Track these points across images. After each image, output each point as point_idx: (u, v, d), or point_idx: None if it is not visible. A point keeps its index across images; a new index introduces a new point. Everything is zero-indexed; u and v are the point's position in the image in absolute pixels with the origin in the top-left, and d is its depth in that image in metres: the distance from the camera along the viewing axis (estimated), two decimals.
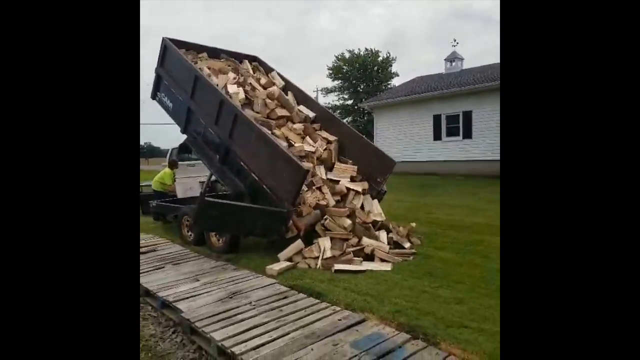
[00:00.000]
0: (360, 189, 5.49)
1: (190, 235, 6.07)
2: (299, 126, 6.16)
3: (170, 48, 6.29)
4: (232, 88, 5.99)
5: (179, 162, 9.48)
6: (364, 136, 6.49)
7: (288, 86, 7.08)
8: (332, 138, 6.18)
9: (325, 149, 5.95)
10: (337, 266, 4.32)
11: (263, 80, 6.80)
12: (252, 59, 7.66)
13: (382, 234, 5.09)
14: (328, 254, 4.54)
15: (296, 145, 5.66)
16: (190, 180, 9.09)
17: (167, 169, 8.47)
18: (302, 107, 6.55)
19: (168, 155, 11.17)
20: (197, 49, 6.97)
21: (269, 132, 5.35)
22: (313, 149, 5.69)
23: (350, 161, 5.95)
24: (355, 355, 2.47)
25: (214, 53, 7.18)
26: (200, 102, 5.96)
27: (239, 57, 7.45)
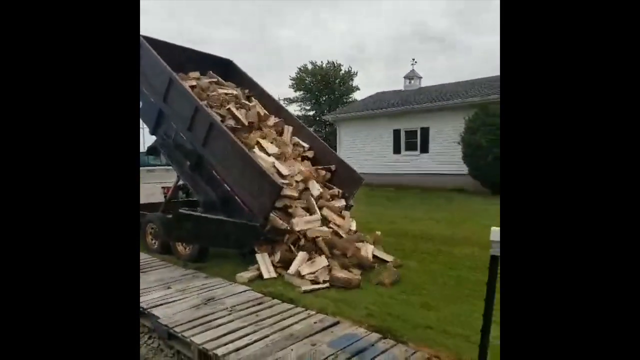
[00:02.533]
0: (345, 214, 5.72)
1: (155, 243, 5.98)
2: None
3: (143, 46, 6.07)
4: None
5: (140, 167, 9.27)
6: (334, 151, 6.72)
7: (279, 111, 6.99)
8: (331, 167, 6.23)
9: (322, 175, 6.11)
10: (304, 288, 4.18)
11: (259, 110, 6.62)
12: (227, 62, 7.55)
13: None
14: (293, 269, 4.59)
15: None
16: (151, 186, 8.89)
17: None
18: (296, 139, 6.50)
19: None
20: (173, 49, 6.67)
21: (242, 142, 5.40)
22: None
23: (336, 188, 6.08)
24: (333, 354, 2.65)
25: (191, 54, 7.00)
26: (173, 105, 5.82)
27: (213, 60, 7.34)
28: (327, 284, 4.27)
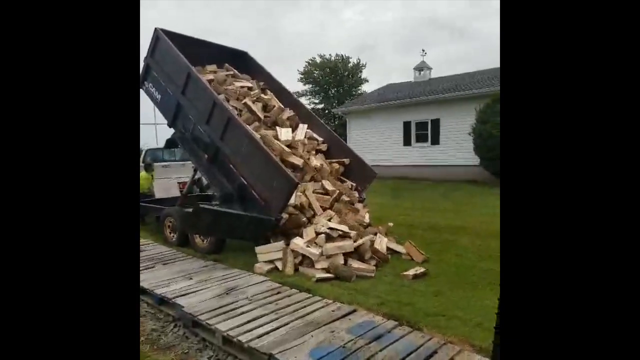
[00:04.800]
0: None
1: (173, 236, 6.17)
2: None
3: (162, 39, 6.17)
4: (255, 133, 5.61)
5: (154, 163, 9.50)
6: (346, 144, 6.80)
7: (293, 103, 6.99)
8: (345, 160, 6.29)
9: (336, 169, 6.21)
10: (319, 275, 4.37)
11: (274, 103, 6.68)
12: (242, 54, 7.61)
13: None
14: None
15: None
16: (169, 181, 9.11)
17: (143, 173, 8.45)
18: (310, 132, 6.55)
19: (142, 156, 11.08)
20: (190, 42, 6.72)
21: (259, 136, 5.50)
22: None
23: (348, 181, 6.16)
24: (352, 340, 2.77)
25: (207, 47, 7.07)
26: (191, 99, 5.90)
27: (228, 52, 7.42)
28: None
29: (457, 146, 14.55)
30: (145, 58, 6.55)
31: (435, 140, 15.38)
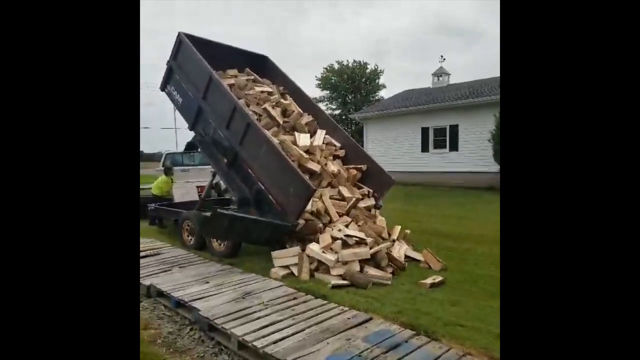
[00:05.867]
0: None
1: (191, 239, 6.24)
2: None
3: (184, 43, 6.28)
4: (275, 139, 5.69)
5: (174, 167, 9.68)
6: (364, 149, 6.75)
7: (312, 108, 6.98)
8: (363, 167, 6.24)
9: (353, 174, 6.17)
10: (334, 282, 4.32)
11: (293, 108, 6.72)
12: (262, 58, 7.67)
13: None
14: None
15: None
16: (187, 185, 9.25)
17: (163, 176, 8.61)
18: (328, 137, 6.54)
19: (162, 160, 11.31)
20: (212, 46, 6.78)
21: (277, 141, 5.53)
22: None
23: (365, 187, 6.12)
24: (368, 349, 2.73)
25: (228, 51, 7.14)
26: (212, 103, 5.97)
27: (249, 56, 7.49)
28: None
29: (476, 153, 14.32)
30: (168, 61, 6.68)
31: (454, 147, 15.18)
